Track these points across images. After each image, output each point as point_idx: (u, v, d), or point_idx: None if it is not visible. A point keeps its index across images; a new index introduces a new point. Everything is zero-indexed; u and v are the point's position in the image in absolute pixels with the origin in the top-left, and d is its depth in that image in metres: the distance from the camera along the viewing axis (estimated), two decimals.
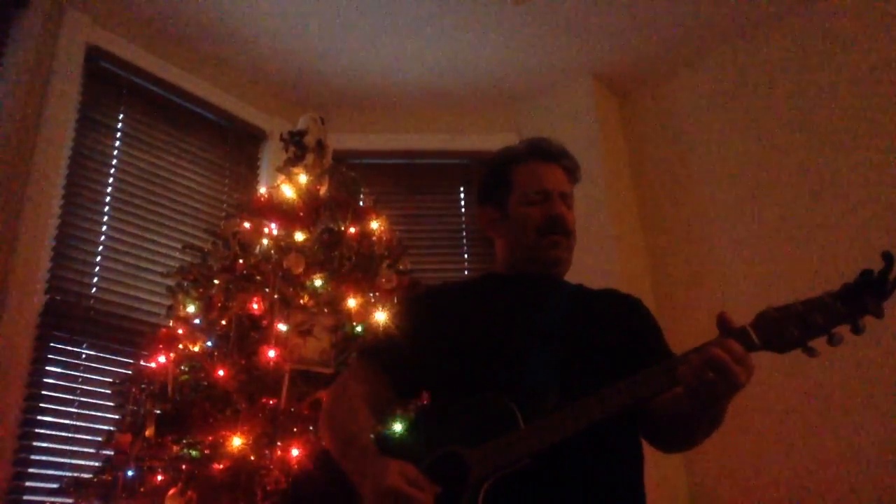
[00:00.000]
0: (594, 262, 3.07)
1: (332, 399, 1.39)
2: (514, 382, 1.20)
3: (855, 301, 0.97)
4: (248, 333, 2.22)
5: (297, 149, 2.71)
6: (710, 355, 1.00)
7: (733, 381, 0.99)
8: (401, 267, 2.52)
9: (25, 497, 2.29)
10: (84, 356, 2.57)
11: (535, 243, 1.38)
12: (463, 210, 3.70)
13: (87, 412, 2.49)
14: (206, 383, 2.13)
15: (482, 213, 1.50)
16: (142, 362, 2.32)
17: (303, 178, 2.63)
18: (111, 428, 2.27)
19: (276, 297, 2.24)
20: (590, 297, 1.44)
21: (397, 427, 1.48)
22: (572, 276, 1.46)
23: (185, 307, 2.36)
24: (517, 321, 1.33)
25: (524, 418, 1.12)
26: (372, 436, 1.25)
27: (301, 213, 2.52)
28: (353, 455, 1.20)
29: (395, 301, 2.37)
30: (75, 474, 2.25)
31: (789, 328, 1.00)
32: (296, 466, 1.92)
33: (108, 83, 2.98)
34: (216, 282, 2.34)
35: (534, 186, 1.41)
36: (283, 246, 2.40)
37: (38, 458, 2.36)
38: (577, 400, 1.11)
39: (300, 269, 2.31)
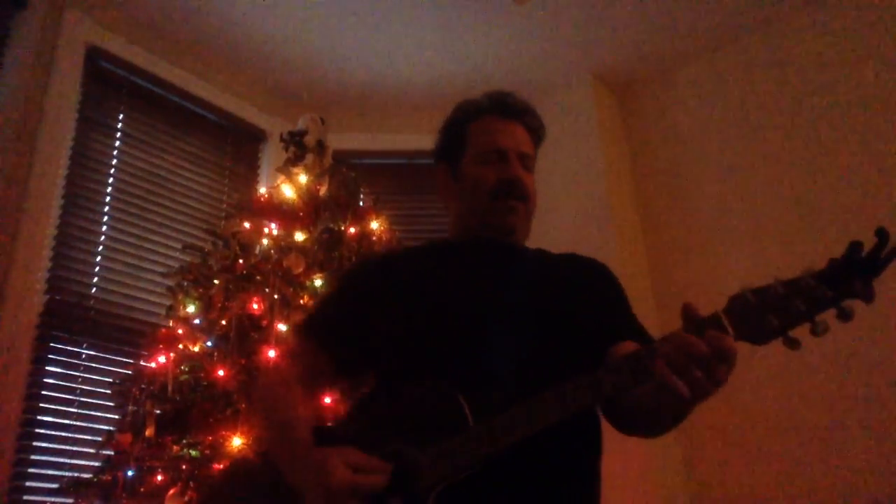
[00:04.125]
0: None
1: (266, 383, 1.27)
2: (466, 363, 1.10)
3: (842, 282, 0.84)
4: (248, 333, 2.22)
5: (297, 149, 2.72)
6: (697, 353, 0.84)
7: (718, 380, 0.86)
8: None
9: (25, 497, 2.29)
10: (84, 356, 2.56)
11: (489, 207, 1.25)
12: None
13: (87, 412, 2.49)
14: (206, 383, 2.13)
15: (436, 171, 1.38)
16: (142, 362, 2.32)
17: (303, 178, 2.63)
18: (111, 428, 2.27)
19: (276, 297, 2.24)
20: (551, 264, 1.31)
21: (340, 418, 1.33)
22: None
23: (185, 307, 2.36)
24: (471, 293, 1.20)
25: (473, 413, 1.00)
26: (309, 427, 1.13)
27: (301, 213, 2.52)
28: (287, 447, 1.09)
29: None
30: (75, 474, 2.25)
31: (767, 316, 0.85)
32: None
33: (108, 83, 2.98)
34: (216, 282, 2.34)
35: (489, 145, 1.28)
36: (283, 246, 2.40)
37: (38, 458, 2.36)
38: (533, 393, 0.98)
39: (300, 269, 2.31)
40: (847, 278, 0.84)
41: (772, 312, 0.85)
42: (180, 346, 2.26)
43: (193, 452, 2.01)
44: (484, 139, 1.29)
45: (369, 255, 1.53)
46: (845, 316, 0.83)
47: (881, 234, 0.84)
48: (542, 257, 1.32)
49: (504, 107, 1.32)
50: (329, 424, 1.28)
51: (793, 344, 0.85)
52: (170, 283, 2.47)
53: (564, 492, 1.08)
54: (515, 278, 1.22)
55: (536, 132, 1.34)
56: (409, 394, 1.09)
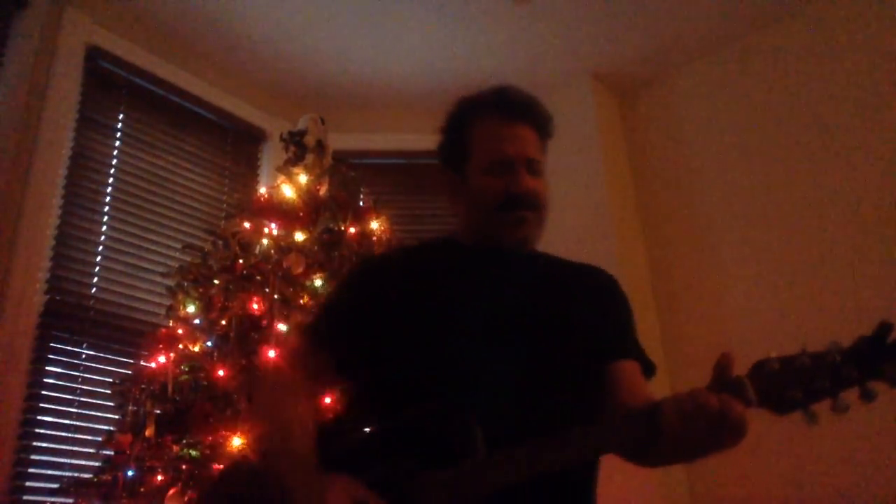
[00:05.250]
0: (594, 262, 3.08)
1: (269, 385, 1.26)
2: (470, 380, 1.08)
3: (868, 363, 0.85)
4: (248, 333, 2.22)
5: (297, 149, 2.71)
6: (707, 407, 0.87)
7: (721, 442, 0.89)
8: None
9: (25, 497, 2.29)
10: (84, 356, 2.56)
11: (497, 220, 1.19)
12: None
13: (87, 412, 2.49)
14: (206, 383, 2.13)
15: (442, 175, 1.31)
16: (142, 362, 2.32)
17: (303, 178, 2.63)
18: (111, 428, 2.27)
19: (276, 297, 2.24)
20: (560, 275, 1.28)
21: (341, 423, 1.30)
22: None
23: (185, 307, 2.36)
24: (478, 304, 1.17)
25: (486, 440, 0.99)
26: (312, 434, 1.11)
27: (301, 213, 2.52)
28: (291, 461, 1.06)
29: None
30: (75, 474, 2.25)
31: (791, 389, 0.87)
32: None
33: (108, 83, 2.98)
34: (216, 282, 2.34)
35: (494, 154, 1.20)
36: (283, 246, 2.40)
37: (38, 458, 2.35)
38: (536, 412, 1.02)
39: (300, 269, 2.31)
40: (874, 359, 0.84)
41: (796, 385, 0.86)
42: (180, 346, 2.26)
43: (193, 452, 2.01)
44: (488, 147, 1.21)
45: (372, 256, 1.47)
46: (868, 396, 0.84)
47: None
48: (550, 266, 1.29)
49: (508, 106, 1.23)
50: (332, 424, 1.26)
51: (812, 418, 0.87)
52: (170, 283, 2.47)
53: None
54: (520, 289, 1.20)
55: (545, 129, 1.27)
56: (419, 410, 1.06)
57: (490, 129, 1.22)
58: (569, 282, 1.26)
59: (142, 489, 2.01)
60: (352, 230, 2.52)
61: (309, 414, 1.15)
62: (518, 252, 1.24)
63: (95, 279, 2.69)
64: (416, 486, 0.99)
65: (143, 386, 2.20)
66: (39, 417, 2.39)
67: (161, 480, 2.00)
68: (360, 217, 2.58)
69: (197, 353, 2.24)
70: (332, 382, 1.34)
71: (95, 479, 2.09)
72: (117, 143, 2.93)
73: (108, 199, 2.82)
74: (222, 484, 1.29)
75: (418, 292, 1.20)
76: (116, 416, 2.33)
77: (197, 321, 2.32)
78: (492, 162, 1.20)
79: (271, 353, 2.11)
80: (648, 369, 1.23)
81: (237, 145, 3.40)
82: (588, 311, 1.21)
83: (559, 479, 1.00)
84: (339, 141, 3.15)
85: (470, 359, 1.11)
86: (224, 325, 2.26)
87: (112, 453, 2.14)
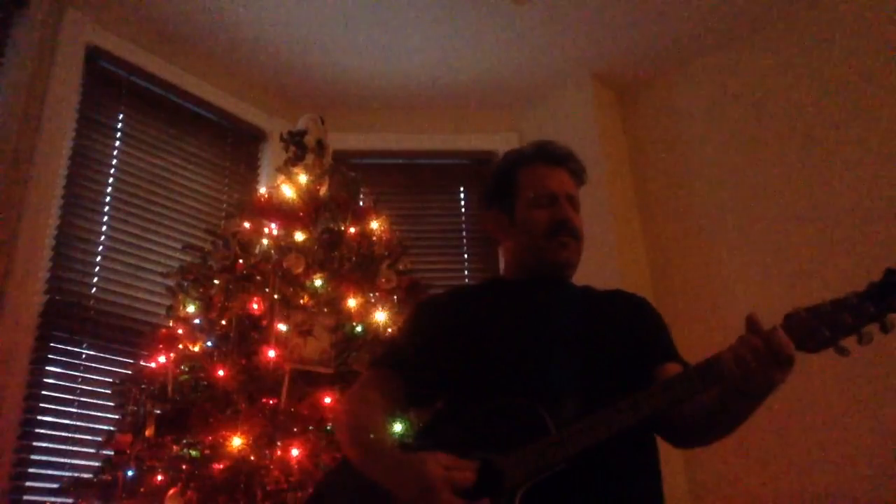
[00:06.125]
0: (594, 263, 3.05)
1: (350, 409, 1.38)
2: (533, 388, 1.20)
3: (882, 300, 0.99)
4: (248, 333, 2.22)
5: (297, 149, 2.71)
6: (756, 346, 1.02)
7: (773, 377, 1.02)
8: (401, 267, 2.52)
9: (25, 497, 2.29)
10: (84, 356, 2.56)
11: (544, 246, 1.38)
12: (463, 210, 3.69)
13: (87, 412, 2.49)
14: (206, 383, 2.14)
15: (488, 216, 1.50)
16: (142, 362, 2.32)
17: (303, 178, 2.63)
18: (111, 428, 2.27)
19: (276, 297, 2.24)
20: (598, 298, 1.44)
21: (419, 435, 1.45)
22: (575, 276, 1.46)
23: (185, 307, 2.36)
24: (530, 326, 1.33)
25: (554, 422, 1.12)
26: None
27: (301, 213, 2.52)
28: (383, 461, 1.19)
29: (397, 303, 2.37)
30: (75, 474, 2.25)
31: (820, 329, 1.01)
32: (296, 466, 1.93)
33: (108, 83, 2.98)
34: (216, 282, 2.34)
35: (540, 190, 1.41)
36: (283, 246, 2.40)
37: (38, 458, 2.35)
38: (602, 404, 1.11)
39: (300, 269, 2.31)
40: (886, 297, 0.99)
41: (823, 325, 1.01)
42: (180, 346, 2.26)
43: (193, 452, 2.02)
44: (535, 185, 1.42)
45: (431, 296, 1.74)
46: (886, 328, 0.99)
47: None
48: (588, 292, 1.45)
49: (549, 154, 1.45)
50: (410, 441, 1.39)
51: (843, 351, 1.01)
52: (170, 283, 2.47)
53: (635, 484, 1.21)
54: (570, 310, 1.37)
55: (579, 175, 1.47)
56: (486, 408, 1.21)
57: (536, 172, 1.44)
58: (608, 302, 1.44)
59: (142, 489, 2.01)
60: (352, 230, 2.52)
61: (389, 425, 1.32)
62: (560, 280, 1.42)
63: (95, 279, 2.69)
64: (496, 466, 1.11)
65: (143, 386, 2.20)
66: (39, 417, 2.39)
67: (161, 480, 2.00)
68: (360, 217, 2.58)
69: (197, 353, 2.24)
70: (403, 407, 1.47)
71: (95, 479, 2.10)
72: (117, 143, 2.93)
73: (108, 199, 2.83)
74: (332, 479, 1.44)
75: (484, 321, 1.37)
76: (116, 416, 2.33)
77: (197, 321, 2.32)
78: (539, 196, 1.40)
79: (271, 353, 2.12)
80: None
81: (237, 145, 3.40)
82: (631, 323, 1.38)
83: (625, 462, 1.16)
84: (339, 141, 3.15)
85: (537, 370, 1.25)
86: (224, 325, 2.27)
87: (112, 453, 2.14)
